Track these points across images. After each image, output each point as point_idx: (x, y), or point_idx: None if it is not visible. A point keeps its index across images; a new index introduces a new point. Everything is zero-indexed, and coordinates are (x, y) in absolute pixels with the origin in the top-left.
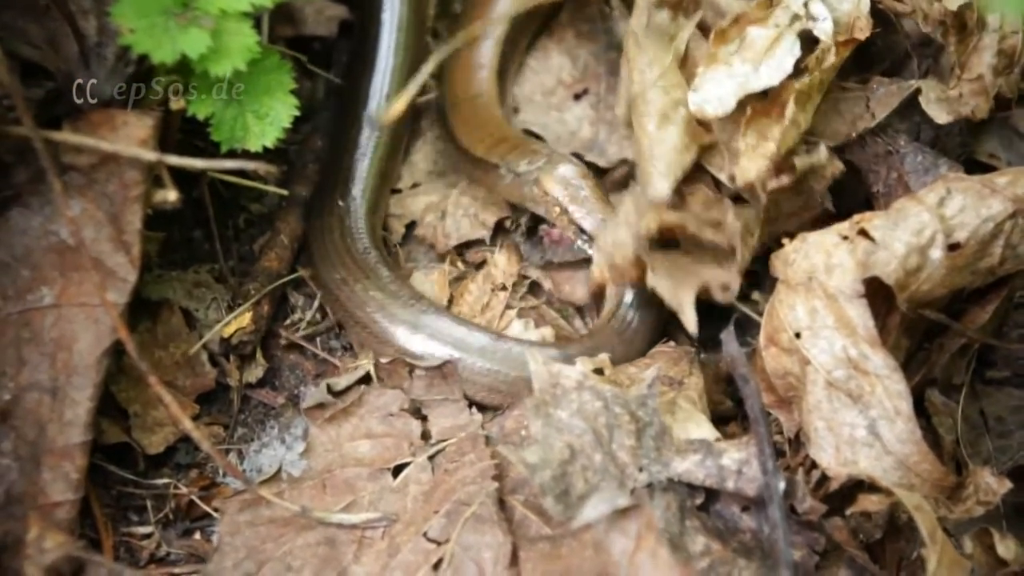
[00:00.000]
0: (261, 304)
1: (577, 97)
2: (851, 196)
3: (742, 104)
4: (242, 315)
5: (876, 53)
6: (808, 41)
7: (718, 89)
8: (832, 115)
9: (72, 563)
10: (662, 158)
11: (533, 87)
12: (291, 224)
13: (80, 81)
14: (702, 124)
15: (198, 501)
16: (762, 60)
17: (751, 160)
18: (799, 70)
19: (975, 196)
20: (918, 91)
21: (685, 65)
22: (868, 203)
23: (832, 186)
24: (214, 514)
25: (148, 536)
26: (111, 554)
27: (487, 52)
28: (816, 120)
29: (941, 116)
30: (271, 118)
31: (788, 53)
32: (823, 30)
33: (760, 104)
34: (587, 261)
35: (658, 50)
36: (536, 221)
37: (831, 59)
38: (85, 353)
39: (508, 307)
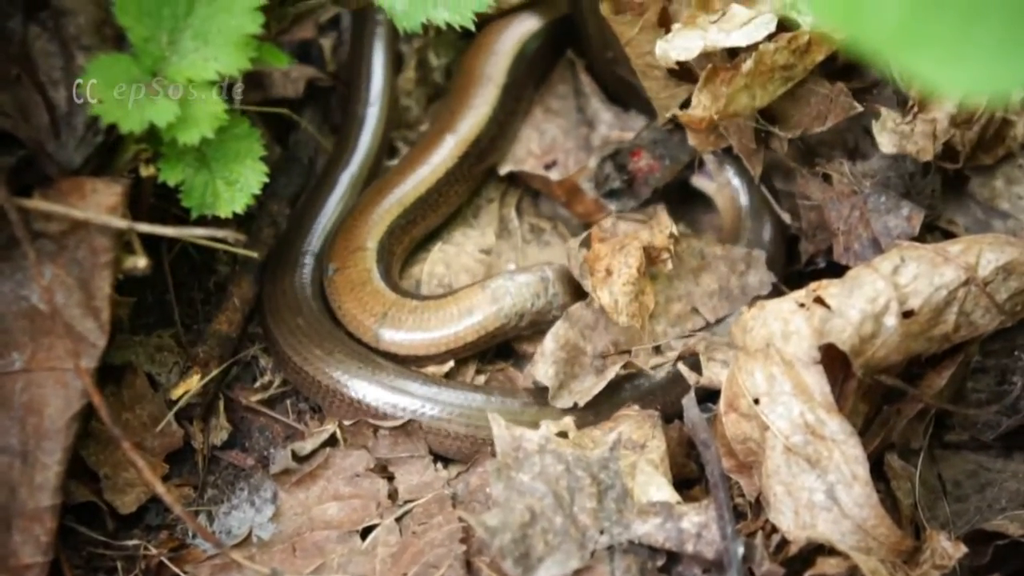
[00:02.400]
0: (209, 367)
1: (547, 167)
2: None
3: (704, 61)
4: (191, 378)
5: (855, 73)
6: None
7: (686, 42)
8: (795, 107)
9: None
10: None
11: (509, 165)
12: (243, 288)
13: (50, 150)
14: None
15: (168, 563)
16: (736, 30)
17: (703, 111)
18: (770, 42)
19: (928, 264)
20: (876, 114)
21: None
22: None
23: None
24: None
25: None
26: None
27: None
28: (779, 107)
29: (887, 146)
30: (241, 184)
31: (762, 26)
32: (804, 21)
33: (721, 67)
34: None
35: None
36: None
37: (804, 47)
38: (55, 417)
39: (478, 372)
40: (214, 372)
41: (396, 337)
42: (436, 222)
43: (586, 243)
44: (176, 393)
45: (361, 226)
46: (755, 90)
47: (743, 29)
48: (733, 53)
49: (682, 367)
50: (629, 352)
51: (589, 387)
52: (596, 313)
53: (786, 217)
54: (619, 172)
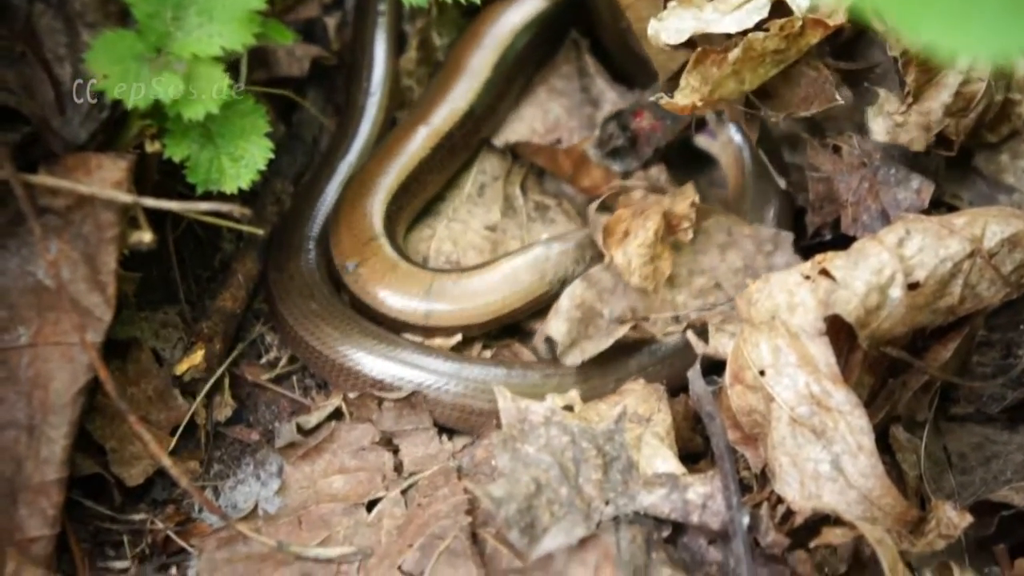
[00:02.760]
0: (213, 342)
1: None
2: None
3: (695, 43)
4: (194, 354)
5: (860, 52)
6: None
7: (679, 23)
8: (786, 87)
9: None
10: None
11: (509, 134)
12: (247, 264)
13: (55, 126)
14: None
15: (174, 536)
16: (730, 12)
17: (685, 97)
18: (761, 30)
19: (933, 236)
20: (874, 99)
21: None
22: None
23: (805, 195)
24: (190, 549)
25: (124, 571)
26: None
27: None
28: (770, 84)
29: (881, 134)
30: (246, 160)
31: (755, 11)
32: (797, 4)
33: (710, 51)
34: None
35: None
36: None
37: (796, 32)
38: (61, 391)
39: (484, 347)
40: (218, 347)
41: (445, 309)
42: (430, 195)
43: (604, 207)
44: (180, 369)
45: (361, 218)
46: (744, 75)
47: (734, 14)
48: (728, 35)
49: (690, 335)
50: (647, 319)
51: (599, 346)
52: (615, 276)
53: (781, 182)
54: (622, 132)
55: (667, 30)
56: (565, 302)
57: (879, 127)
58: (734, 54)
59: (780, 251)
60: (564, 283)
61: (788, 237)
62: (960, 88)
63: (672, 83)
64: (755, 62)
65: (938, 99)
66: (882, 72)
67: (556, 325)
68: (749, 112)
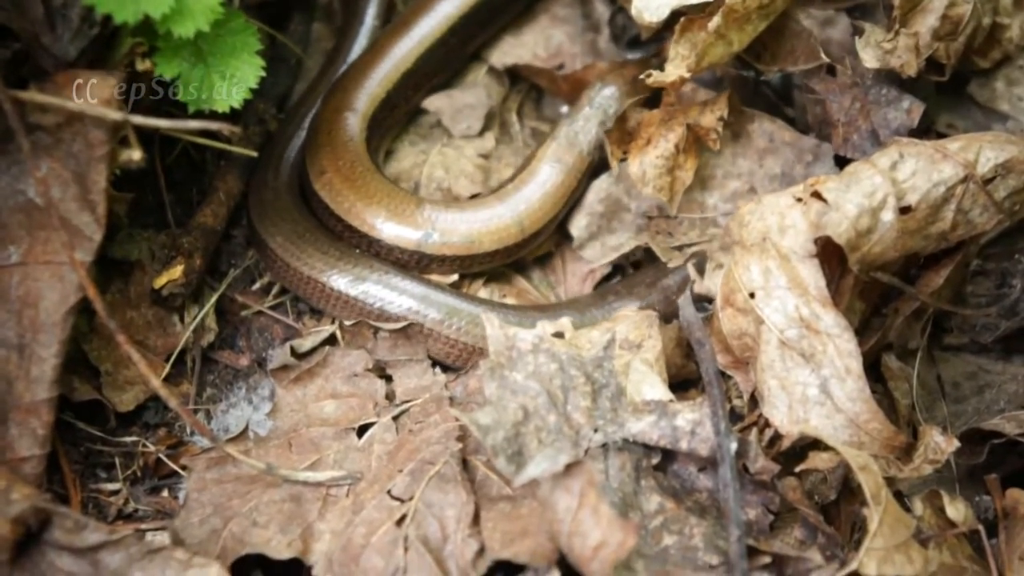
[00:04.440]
0: (193, 258)
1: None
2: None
3: (678, 15)
4: (174, 268)
5: None
6: None
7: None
8: (775, 42)
9: (39, 515)
10: None
11: (511, 58)
12: (228, 183)
13: (45, 42)
14: None
15: (165, 459)
16: None
17: (675, 67)
18: None
19: (927, 160)
20: (860, 32)
21: None
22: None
23: (797, 111)
24: (181, 472)
25: (116, 493)
26: (79, 509)
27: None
28: (759, 46)
29: (871, 61)
30: (237, 79)
31: None
32: None
33: (695, 17)
34: None
35: None
36: None
37: None
38: (51, 310)
39: (479, 273)
40: (198, 263)
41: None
42: (413, 107)
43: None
44: (159, 282)
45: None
46: (731, 36)
47: None
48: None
49: (690, 267)
50: (675, 218)
51: (619, 244)
52: None
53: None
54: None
55: (648, 9)
56: (590, 196)
57: (869, 56)
58: (715, 21)
59: (820, 162)
60: (600, 149)
61: (829, 149)
62: (946, 11)
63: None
64: (740, 21)
65: (925, 23)
66: (869, 8)
67: (577, 219)
68: (740, 74)
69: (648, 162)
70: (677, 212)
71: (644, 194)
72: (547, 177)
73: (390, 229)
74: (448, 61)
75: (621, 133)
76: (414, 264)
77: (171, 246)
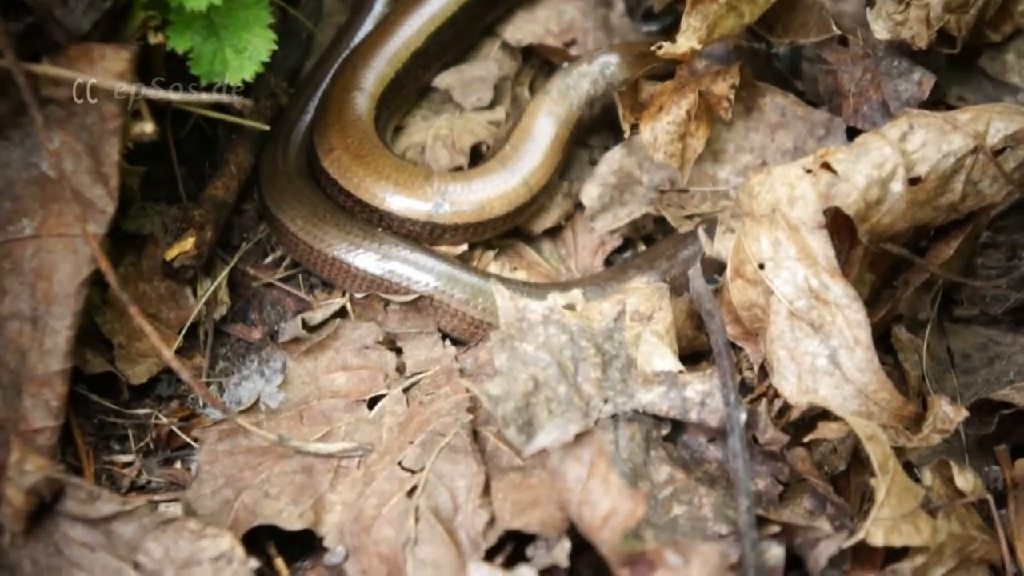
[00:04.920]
0: (205, 230)
1: (566, 46)
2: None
3: None
4: (185, 240)
5: None
6: None
7: None
8: (788, 16)
9: (52, 486)
10: None
11: (523, 35)
12: (239, 155)
13: (58, 15)
14: None
15: (178, 431)
16: None
17: (687, 39)
18: None
19: (937, 131)
20: (872, 3)
21: None
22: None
23: (807, 83)
24: (194, 444)
25: (129, 464)
26: (93, 481)
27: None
28: (771, 17)
29: (882, 32)
30: (249, 52)
31: None
32: None
33: None
34: None
35: None
36: None
37: None
38: (64, 283)
39: (489, 246)
40: (210, 235)
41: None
42: (424, 84)
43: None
44: (170, 254)
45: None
46: (743, 8)
47: None
48: None
49: (701, 232)
50: (685, 191)
51: (631, 213)
52: None
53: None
54: None
55: None
56: (602, 167)
57: (880, 27)
58: None
59: (832, 136)
60: (592, 105)
61: (841, 124)
62: None
63: None
64: None
65: None
66: None
67: (589, 189)
68: (752, 46)
69: (660, 128)
70: (688, 185)
71: (655, 159)
72: (544, 132)
73: (400, 202)
74: (458, 39)
75: (633, 102)
76: (426, 236)
77: (183, 219)
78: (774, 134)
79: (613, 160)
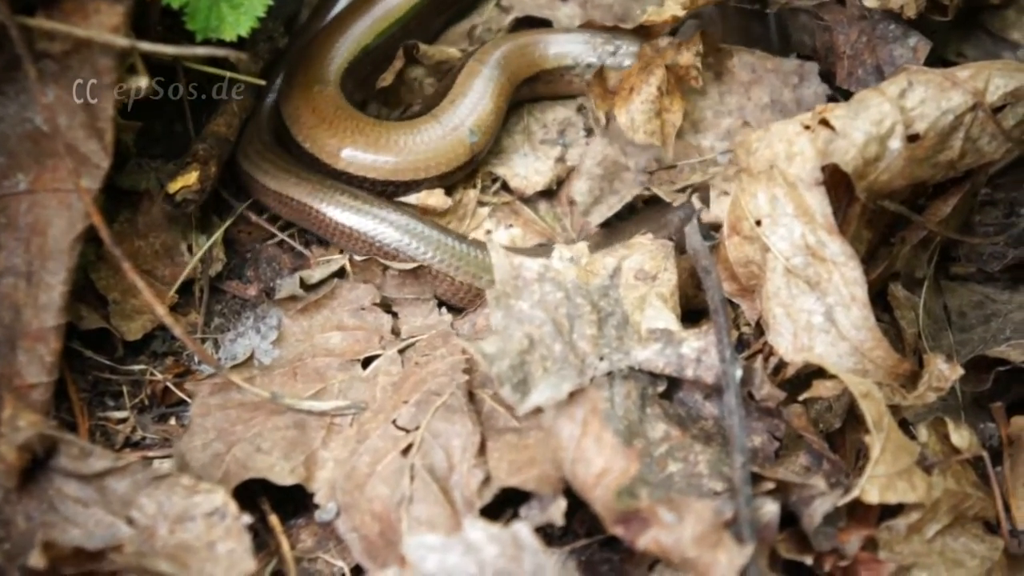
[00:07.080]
0: (208, 165)
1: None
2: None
3: None
4: (189, 173)
5: None
6: None
7: None
8: None
9: (45, 442)
10: None
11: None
12: (241, 95)
13: None
14: None
15: (173, 388)
16: None
17: (672, 4)
18: None
19: (936, 88)
20: None
21: None
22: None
23: (805, 41)
24: (189, 400)
25: (124, 421)
26: (87, 437)
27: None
28: None
29: (871, 0)
30: (245, 7)
31: None
32: None
33: None
34: None
35: None
36: None
37: None
38: (59, 238)
39: (480, 204)
40: (213, 170)
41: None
42: None
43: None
44: (174, 187)
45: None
46: None
47: None
48: None
49: (695, 199)
50: (674, 167)
51: (624, 199)
52: None
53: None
54: None
55: None
56: (587, 161)
57: None
58: None
59: (807, 82)
60: (589, 68)
61: (813, 67)
62: None
63: None
64: None
65: None
66: None
67: (578, 185)
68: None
69: (635, 109)
70: (675, 160)
71: (637, 141)
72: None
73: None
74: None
75: (603, 91)
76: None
77: (186, 153)
78: (749, 92)
79: (596, 152)
